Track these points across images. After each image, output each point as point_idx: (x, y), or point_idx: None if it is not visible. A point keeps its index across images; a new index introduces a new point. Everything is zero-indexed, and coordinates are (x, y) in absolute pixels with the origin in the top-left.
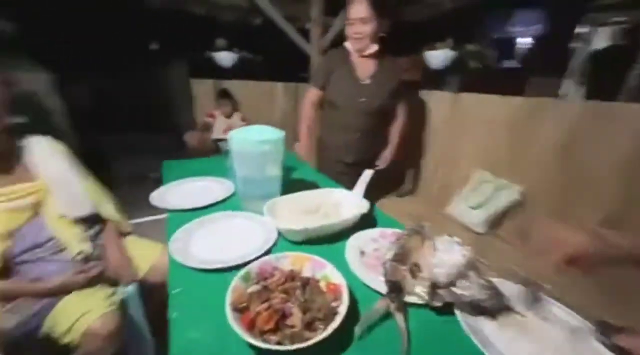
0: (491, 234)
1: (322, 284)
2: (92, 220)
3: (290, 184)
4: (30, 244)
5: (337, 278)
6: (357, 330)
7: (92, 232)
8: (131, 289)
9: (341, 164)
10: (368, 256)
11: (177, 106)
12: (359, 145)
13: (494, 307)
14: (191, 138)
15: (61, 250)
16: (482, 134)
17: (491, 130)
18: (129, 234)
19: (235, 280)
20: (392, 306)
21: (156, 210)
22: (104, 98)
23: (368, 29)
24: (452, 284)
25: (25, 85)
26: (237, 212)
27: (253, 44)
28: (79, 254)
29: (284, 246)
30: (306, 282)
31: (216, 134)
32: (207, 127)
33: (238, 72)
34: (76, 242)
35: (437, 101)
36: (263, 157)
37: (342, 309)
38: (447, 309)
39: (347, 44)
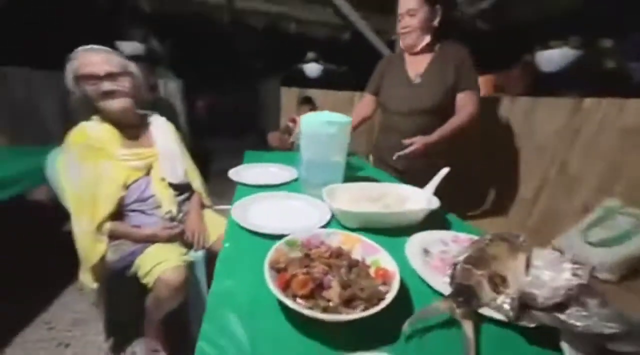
0: (622, 285)
1: (372, 270)
2: (183, 189)
3: (354, 181)
4: (137, 198)
5: (389, 264)
6: (406, 326)
7: (181, 198)
8: (200, 254)
9: (393, 171)
10: (432, 257)
11: (268, 112)
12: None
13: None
14: (272, 138)
15: (157, 207)
16: (614, 151)
17: (631, 146)
18: (208, 207)
19: (280, 243)
20: (458, 312)
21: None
22: (213, 106)
23: (416, 21)
24: (557, 308)
25: (162, 90)
26: (296, 194)
27: (339, 57)
28: (167, 212)
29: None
30: (354, 264)
31: (295, 137)
32: (288, 131)
33: (323, 81)
34: (168, 203)
35: (548, 110)
36: (329, 139)
37: (390, 295)
38: (547, 340)
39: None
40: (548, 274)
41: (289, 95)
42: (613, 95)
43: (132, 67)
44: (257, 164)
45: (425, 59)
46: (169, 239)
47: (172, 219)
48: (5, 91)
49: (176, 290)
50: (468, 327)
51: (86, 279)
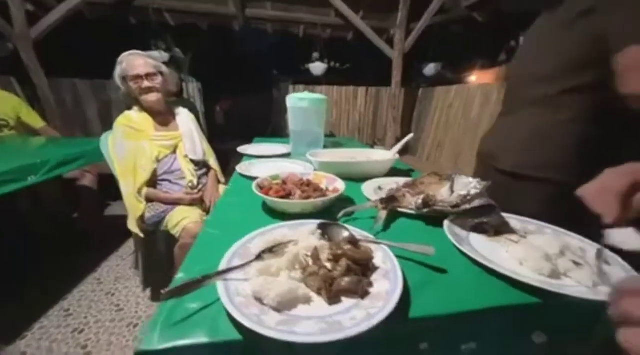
0: None
1: (329, 191)
2: (202, 165)
3: None
4: (166, 170)
5: (340, 185)
6: (341, 214)
7: (200, 172)
8: None
9: None
10: (383, 191)
11: (279, 114)
12: None
13: (487, 226)
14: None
15: (182, 178)
16: None
17: None
18: (222, 184)
19: (267, 175)
20: (380, 207)
21: None
22: (228, 110)
23: None
24: (454, 206)
25: (185, 92)
26: (287, 159)
27: (343, 55)
28: (189, 182)
29: None
30: (318, 189)
31: None
32: None
33: (329, 79)
34: (190, 175)
35: None
36: (304, 112)
37: (333, 195)
38: (437, 223)
39: None
40: (462, 191)
41: (296, 92)
42: None
43: (164, 68)
44: (261, 144)
45: None
46: (191, 203)
47: (193, 188)
48: (57, 97)
49: (197, 238)
50: (382, 213)
51: (133, 227)
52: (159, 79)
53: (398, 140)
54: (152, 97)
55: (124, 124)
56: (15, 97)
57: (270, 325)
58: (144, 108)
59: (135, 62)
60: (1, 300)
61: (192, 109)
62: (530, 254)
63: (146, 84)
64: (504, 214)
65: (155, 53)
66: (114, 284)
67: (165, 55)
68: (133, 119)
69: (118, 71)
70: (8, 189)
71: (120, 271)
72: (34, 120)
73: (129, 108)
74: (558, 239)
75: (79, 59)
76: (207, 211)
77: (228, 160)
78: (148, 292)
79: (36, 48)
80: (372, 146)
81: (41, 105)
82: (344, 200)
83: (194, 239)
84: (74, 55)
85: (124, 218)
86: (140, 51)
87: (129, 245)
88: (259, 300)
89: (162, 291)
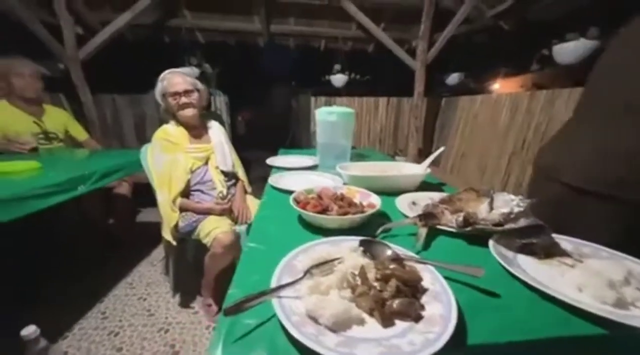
0: None
1: (364, 205)
2: (231, 176)
3: None
4: (199, 181)
5: (375, 200)
6: (379, 231)
7: (229, 183)
8: (243, 228)
9: None
10: (418, 207)
11: (300, 125)
12: None
13: (536, 247)
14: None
15: (213, 189)
16: None
17: None
18: (249, 194)
19: (301, 190)
20: (419, 224)
21: None
22: (252, 121)
23: None
24: (495, 224)
25: (212, 105)
26: (315, 171)
27: (364, 67)
28: (220, 192)
29: None
30: (352, 204)
31: None
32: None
33: (349, 90)
34: (220, 185)
35: (564, 100)
36: (332, 125)
37: (371, 210)
38: (480, 243)
39: None
40: (503, 208)
41: (318, 103)
42: None
43: (199, 85)
44: (288, 155)
45: None
46: (221, 213)
47: (223, 198)
48: (98, 111)
49: (227, 248)
50: (423, 230)
51: (167, 235)
52: (195, 95)
53: (420, 150)
54: (189, 112)
55: (162, 138)
56: (64, 112)
57: (329, 346)
58: (180, 122)
59: (174, 80)
60: (46, 300)
61: (220, 121)
62: (590, 279)
63: (184, 100)
64: (553, 235)
65: (187, 69)
66: (145, 289)
67: (196, 71)
68: (170, 133)
69: (159, 88)
70: (61, 198)
71: (151, 277)
72: (79, 133)
73: (165, 122)
74: (620, 263)
75: (118, 75)
76: (235, 221)
77: (248, 169)
78: (177, 297)
79: (83, 67)
80: (393, 157)
81: (85, 119)
82: (378, 215)
83: (224, 249)
84: (113, 72)
85: (154, 225)
86: (179, 69)
87: (159, 251)
88: (314, 319)
89: (224, 308)
